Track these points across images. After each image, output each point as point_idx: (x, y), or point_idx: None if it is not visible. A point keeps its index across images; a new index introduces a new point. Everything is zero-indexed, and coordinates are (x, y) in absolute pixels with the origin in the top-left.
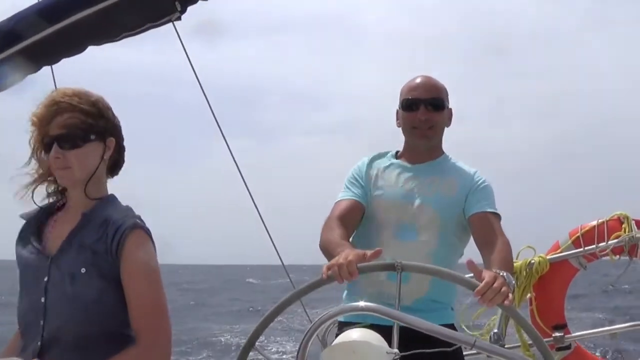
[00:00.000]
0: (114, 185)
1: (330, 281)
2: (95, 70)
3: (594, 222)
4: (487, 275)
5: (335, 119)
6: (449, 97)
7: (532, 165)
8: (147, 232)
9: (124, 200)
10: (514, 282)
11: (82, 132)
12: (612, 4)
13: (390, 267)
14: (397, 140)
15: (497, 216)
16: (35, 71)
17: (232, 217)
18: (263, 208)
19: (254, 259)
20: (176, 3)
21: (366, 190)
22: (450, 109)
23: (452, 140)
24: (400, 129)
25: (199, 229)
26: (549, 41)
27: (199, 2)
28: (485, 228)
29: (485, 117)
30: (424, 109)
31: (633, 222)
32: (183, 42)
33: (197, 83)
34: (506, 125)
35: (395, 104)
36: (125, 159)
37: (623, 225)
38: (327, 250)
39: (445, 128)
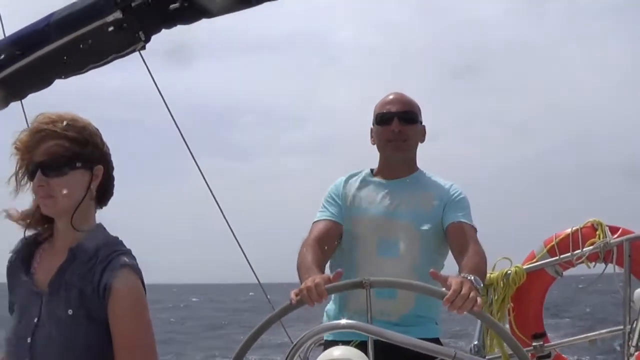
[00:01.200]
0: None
1: (300, 305)
2: (65, 92)
3: (568, 230)
4: (453, 282)
5: (311, 137)
6: (422, 114)
7: (505, 180)
8: (136, 270)
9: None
10: (482, 284)
11: (67, 160)
12: (586, 17)
13: (358, 285)
14: (374, 156)
15: (473, 227)
16: (4, 107)
17: (207, 237)
18: (239, 226)
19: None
20: (140, 33)
21: (343, 209)
22: (424, 126)
23: (426, 156)
24: (375, 146)
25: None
26: (523, 56)
27: (163, 30)
28: (461, 237)
29: (459, 132)
30: (397, 121)
31: (607, 228)
32: (149, 69)
33: (165, 106)
34: (479, 141)
35: (370, 120)
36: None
37: (597, 232)
38: (299, 273)
39: (420, 144)
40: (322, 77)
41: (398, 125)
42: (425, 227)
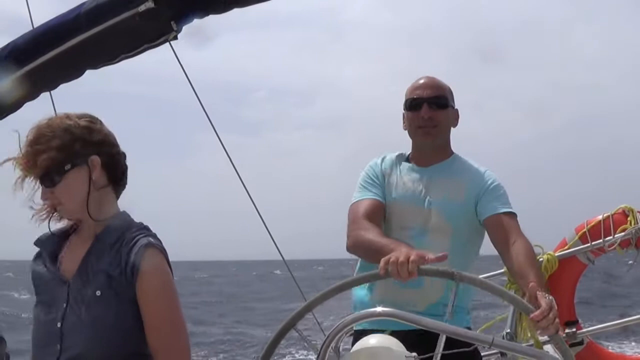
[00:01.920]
0: None
1: (386, 277)
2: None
3: (600, 217)
4: (544, 302)
5: (321, 113)
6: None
7: (530, 164)
8: (162, 250)
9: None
10: (555, 306)
11: (56, 167)
12: None
13: (449, 275)
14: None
15: (513, 215)
16: (34, 97)
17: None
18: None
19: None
20: (172, 23)
21: (384, 190)
22: (456, 110)
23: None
24: (406, 132)
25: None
26: (534, 34)
27: (195, 20)
28: (503, 230)
29: (471, 112)
30: (427, 107)
31: (638, 214)
32: (179, 57)
33: (190, 86)
34: (492, 120)
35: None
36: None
37: (628, 218)
38: (370, 248)
39: (452, 128)
40: (331, 53)
41: (428, 112)
42: (456, 217)
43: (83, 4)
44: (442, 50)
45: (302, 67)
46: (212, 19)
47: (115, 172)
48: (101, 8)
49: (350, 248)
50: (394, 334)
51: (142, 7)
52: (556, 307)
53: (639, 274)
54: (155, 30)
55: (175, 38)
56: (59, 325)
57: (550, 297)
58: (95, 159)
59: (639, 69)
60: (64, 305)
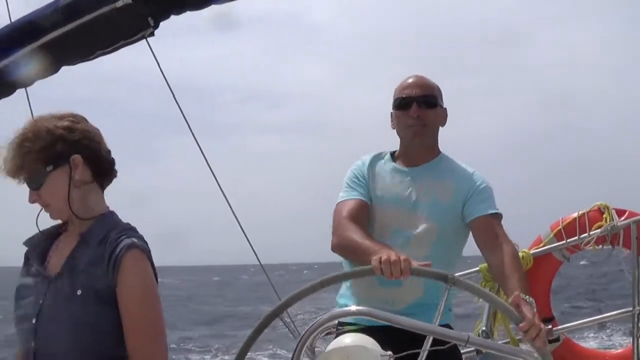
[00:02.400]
0: None
1: (377, 274)
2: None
3: (575, 214)
4: (528, 312)
5: (291, 116)
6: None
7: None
8: (145, 252)
9: None
10: (534, 310)
11: (39, 169)
12: None
13: (442, 278)
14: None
15: (499, 217)
16: (10, 94)
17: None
18: (218, 208)
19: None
20: (149, 19)
21: (370, 190)
22: (445, 109)
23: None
24: (395, 131)
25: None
26: (503, 36)
27: (172, 16)
28: (489, 232)
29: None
30: (416, 106)
31: (614, 211)
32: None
33: (169, 90)
34: (467, 119)
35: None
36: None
37: (604, 215)
38: (354, 248)
39: (440, 128)
40: (301, 56)
41: (417, 110)
42: (443, 219)
43: None
44: (409, 54)
45: (271, 70)
46: (180, 19)
47: (99, 167)
48: (78, 3)
49: (335, 248)
50: (370, 328)
51: (119, 3)
52: (539, 316)
53: (614, 270)
54: (132, 26)
55: (152, 34)
56: (33, 321)
57: (531, 299)
58: (77, 158)
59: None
60: (40, 301)
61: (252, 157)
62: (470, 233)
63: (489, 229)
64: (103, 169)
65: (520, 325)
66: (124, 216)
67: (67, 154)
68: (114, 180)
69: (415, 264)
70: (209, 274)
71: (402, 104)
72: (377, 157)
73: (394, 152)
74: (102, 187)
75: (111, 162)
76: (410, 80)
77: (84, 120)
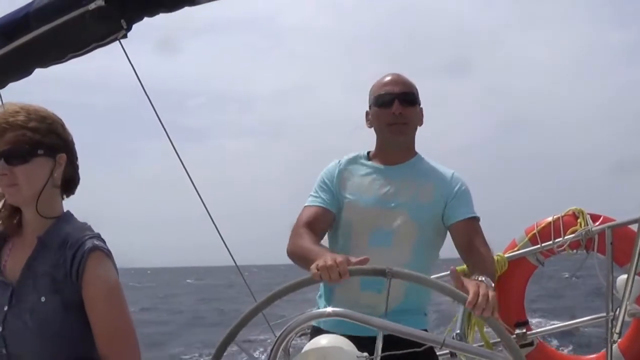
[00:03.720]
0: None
1: (319, 281)
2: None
3: (550, 219)
4: (470, 285)
5: (261, 119)
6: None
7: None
8: (107, 253)
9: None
10: (492, 284)
11: (29, 148)
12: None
13: (381, 273)
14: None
15: (478, 220)
16: None
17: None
18: (189, 208)
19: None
20: (122, 22)
21: (336, 195)
22: (422, 108)
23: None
24: (371, 129)
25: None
26: (472, 38)
27: (145, 18)
28: (468, 236)
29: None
30: (399, 103)
31: (588, 216)
32: (130, 59)
33: (144, 91)
34: (437, 124)
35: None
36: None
37: (578, 220)
38: (301, 255)
39: (418, 127)
40: (270, 59)
41: (399, 108)
42: (423, 219)
43: (33, 1)
44: (380, 56)
45: (241, 73)
46: (149, 25)
47: (71, 177)
48: (51, 6)
49: (288, 254)
50: (354, 339)
51: (92, 5)
52: (488, 286)
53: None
54: (105, 29)
55: (125, 37)
56: (0, 329)
57: (482, 278)
58: (63, 157)
59: (581, 75)
60: (5, 309)
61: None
62: (449, 235)
63: (470, 232)
64: (72, 180)
65: (467, 301)
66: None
67: (56, 149)
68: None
69: (353, 259)
70: None
71: (383, 101)
72: (352, 159)
73: (369, 152)
74: (66, 194)
75: (79, 179)
76: (389, 78)
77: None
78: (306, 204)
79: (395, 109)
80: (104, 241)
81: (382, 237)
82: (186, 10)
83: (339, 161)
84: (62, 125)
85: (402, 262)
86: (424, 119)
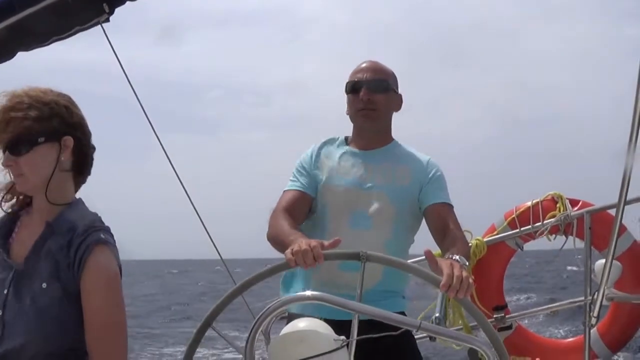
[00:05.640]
0: None
1: (295, 267)
2: (26, 68)
3: (529, 203)
4: (444, 265)
5: (277, 112)
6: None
7: (464, 153)
8: (112, 248)
9: None
10: (467, 263)
11: (29, 137)
12: None
13: (355, 257)
14: (343, 131)
15: (451, 206)
16: None
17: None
18: (207, 202)
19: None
20: (104, 5)
21: (314, 179)
22: (400, 95)
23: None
24: (349, 116)
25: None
26: (491, 32)
27: (127, 2)
28: (443, 220)
29: (428, 109)
30: (366, 89)
31: (567, 201)
32: (111, 43)
33: (127, 79)
34: (445, 117)
35: (339, 97)
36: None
37: (557, 205)
38: (278, 240)
39: (395, 113)
40: (288, 52)
41: (367, 94)
42: (400, 201)
43: None
44: (401, 49)
45: (259, 66)
46: (167, 17)
47: (82, 160)
48: None
49: (268, 239)
50: (327, 321)
51: None
52: (461, 266)
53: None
54: (87, 12)
55: (107, 21)
56: (0, 313)
57: (456, 257)
58: (69, 140)
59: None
60: (5, 292)
61: (241, 151)
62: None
63: (444, 216)
64: (85, 163)
65: (441, 284)
66: None
67: (61, 133)
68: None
69: (325, 243)
70: None
71: (353, 87)
72: (328, 142)
73: (346, 137)
74: (76, 183)
75: (92, 159)
76: (363, 65)
77: (77, 106)
78: (285, 188)
79: (363, 94)
80: (111, 235)
81: (361, 219)
82: (202, 4)
83: (317, 145)
84: (67, 107)
85: (382, 243)
86: (404, 104)
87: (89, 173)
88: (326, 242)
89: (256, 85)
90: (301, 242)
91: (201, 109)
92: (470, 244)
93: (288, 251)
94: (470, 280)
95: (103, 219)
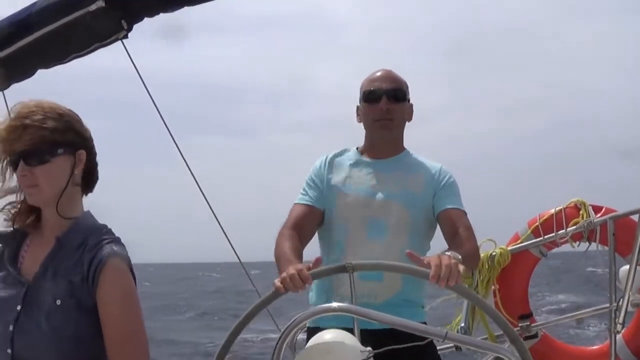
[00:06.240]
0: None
1: (284, 293)
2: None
3: (552, 211)
4: (432, 259)
5: (314, 115)
6: (409, 92)
7: (494, 161)
8: (125, 259)
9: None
10: (459, 257)
11: (48, 147)
12: None
13: (342, 269)
14: None
15: (464, 212)
16: None
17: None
18: (240, 206)
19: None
20: (122, 22)
21: (324, 192)
22: (411, 104)
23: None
24: (361, 124)
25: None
26: (522, 33)
27: (145, 18)
28: (455, 225)
29: (461, 110)
30: (386, 99)
31: (590, 207)
32: (132, 57)
33: (147, 92)
34: (479, 119)
35: None
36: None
37: (580, 212)
38: (277, 263)
39: (407, 123)
40: (324, 54)
41: (386, 104)
42: (415, 209)
43: (35, 3)
44: (439, 50)
45: (294, 69)
46: (200, 20)
47: (90, 175)
48: (53, 7)
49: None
50: (346, 331)
51: (93, 7)
52: (450, 257)
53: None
54: (106, 29)
55: (126, 37)
56: (11, 328)
57: (447, 253)
58: (82, 154)
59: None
60: (18, 308)
61: (279, 154)
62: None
63: (456, 221)
64: (93, 177)
65: (430, 275)
66: None
67: (76, 147)
68: None
69: (311, 264)
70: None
71: (370, 97)
72: (338, 154)
73: (356, 148)
74: (85, 192)
75: (97, 175)
76: (378, 74)
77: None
78: (295, 202)
79: (383, 104)
80: (123, 246)
81: (377, 228)
82: (235, 6)
83: (327, 157)
84: (79, 121)
85: (398, 252)
86: (414, 115)
87: (92, 190)
88: (310, 264)
89: (294, 87)
90: (289, 269)
91: (239, 112)
92: (494, 253)
93: (276, 280)
94: (460, 268)
95: (144, 219)
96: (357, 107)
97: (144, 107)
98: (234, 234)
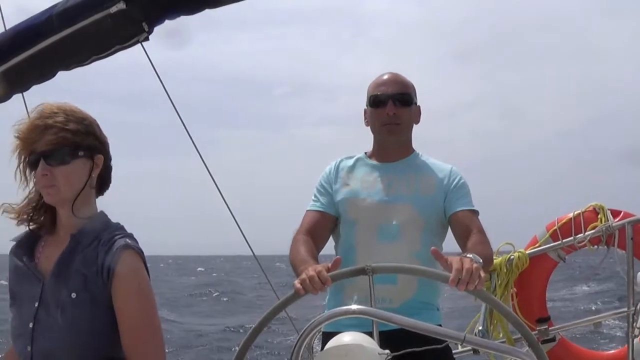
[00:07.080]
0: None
1: (304, 294)
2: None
3: (570, 214)
4: (453, 261)
5: (346, 109)
6: (417, 94)
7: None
8: (139, 252)
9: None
10: (480, 260)
11: (69, 149)
12: None
13: (361, 272)
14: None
15: (477, 213)
16: (6, 99)
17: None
18: (267, 200)
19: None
20: (144, 24)
21: (335, 197)
22: (419, 107)
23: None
24: (369, 128)
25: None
26: (557, 26)
27: (166, 21)
28: (468, 226)
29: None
30: (392, 104)
31: (608, 211)
32: (151, 60)
33: (162, 86)
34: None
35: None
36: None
37: (599, 216)
38: (293, 267)
39: (415, 125)
40: (355, 48)
41: (393, 108)
42: (427, 211)
43: (55, 5)
44: (471, 45)
45: (325, 63)
46: (232, 15)
47: (106, 179)
48: (73, 9)
49: (290, 262)
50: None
51: (113, 9)
52: (472, 260)
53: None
54: (126, 31)
55: (147, 39)
56: (30, 325)
57: (469, 255)
58: (100, 158)
59: None
60: (36, 304)
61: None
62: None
63: (468, 222)
64: (107, 182)
65: (450, 279)
66: None
67: (94, 150)
68: None
69: (329, 264)
70: None
71: (377, 101)
72: (346, 159)
73: (364, 153)
74: (98, 194)
75: (110, 179)
76: (385, 77)
77: None
78: (307, 209)
79: (389, 109)
80: (136, 240)
81: (389, 231)
82: (270, 2)
83: (336, 162)
84: (98, 126)
85: (411, 254)
86: (422, 117)
87: (102, 193)
88: (329, 265)
89: (323, 81)
90: (308, 270)
91: (269, 105)
92: (512, 257)
93: (296, 282)
94: (481, 273)
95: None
96: (365, 111)
97: (178, 105)
98: (269, 227)
